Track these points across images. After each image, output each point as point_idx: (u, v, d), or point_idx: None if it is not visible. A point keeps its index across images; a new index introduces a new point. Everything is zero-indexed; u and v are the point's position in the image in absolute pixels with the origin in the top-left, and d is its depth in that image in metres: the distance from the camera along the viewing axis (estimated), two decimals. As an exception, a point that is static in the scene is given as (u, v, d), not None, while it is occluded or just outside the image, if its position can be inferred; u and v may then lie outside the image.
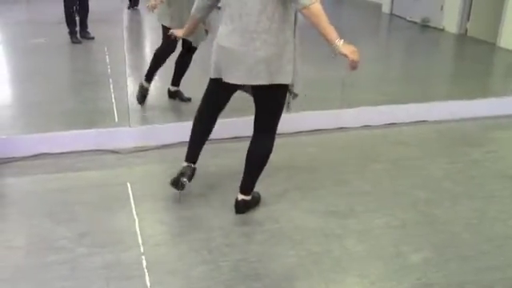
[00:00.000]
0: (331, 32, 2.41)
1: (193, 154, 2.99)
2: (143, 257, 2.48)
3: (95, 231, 2.67)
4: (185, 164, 2.96)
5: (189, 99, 4.44)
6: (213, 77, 2.77)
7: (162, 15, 4.12)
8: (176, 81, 4.48)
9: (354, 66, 2.45)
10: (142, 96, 4.35)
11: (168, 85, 4.54)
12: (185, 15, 3.97)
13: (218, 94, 2.88)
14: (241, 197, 2.88)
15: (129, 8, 9.03)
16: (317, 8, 2.38)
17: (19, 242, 2.59)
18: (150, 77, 4.33)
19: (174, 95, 4.50)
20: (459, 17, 8.04)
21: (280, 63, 2.56)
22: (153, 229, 2.74)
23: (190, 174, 2.95)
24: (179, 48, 4.28)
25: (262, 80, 2.58)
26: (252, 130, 2.84)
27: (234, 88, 2.78)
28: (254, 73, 2.56)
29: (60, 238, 2.61)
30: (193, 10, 2.92)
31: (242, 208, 2.88)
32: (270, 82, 2.59)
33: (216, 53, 2.70)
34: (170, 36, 3.38)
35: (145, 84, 4.34)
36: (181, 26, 3.75)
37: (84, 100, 4.65)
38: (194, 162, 2.98)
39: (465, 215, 2.91)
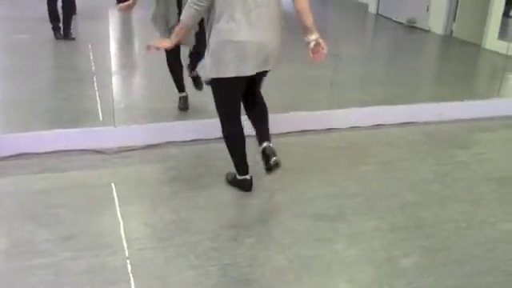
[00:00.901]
0: (311, 20, 2.74)
1: (246, 166, 3.04)
2: (128, 261, 2.42)
3: (79, 234, 2.60)
4: (246, 176, 3.05)
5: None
6: (231, 75, 2.73)
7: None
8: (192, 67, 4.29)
9: (321, 57, 2.75)
10: (183, 105, 4.29)
11: (154, 83, 4.46)
12: (171, 19, 3.91)
13: (239, 92, 2.89)
14: (267, 143, 2.94)
15: (118, 4, 8.90)
16: None
17: (0, 245, 2.51)
18: (179, 87, 4.27)
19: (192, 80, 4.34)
20: (445, 18, 8.08)
21: (280, 49, 2.83)
22: (138, 232, 2.67)
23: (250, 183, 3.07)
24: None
25: (271, 66, 2.82)
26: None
27: (245, 80, 2.82)
28: (266, 61, 2.77)
29: (43, 241, 2.53)
30: (183, 17, 2.76)
31: (274, 152, 2.91)
32: (276, 68, 2.85)
33: (226, 49, 2.68)
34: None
35: (180, 94, 4.29)
36: (166, 32, 3.70)
37: (67, 98, 4.55)
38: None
39: (454, 218, 2.90)
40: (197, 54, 4.15)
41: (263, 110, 3.08)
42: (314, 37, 2.73)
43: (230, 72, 2.72)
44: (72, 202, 2.90)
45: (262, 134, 2.99)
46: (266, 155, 2.90)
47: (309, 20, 2.73)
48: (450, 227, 2.81)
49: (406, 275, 2.40)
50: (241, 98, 2.95)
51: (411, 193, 3.16)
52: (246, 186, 3.05)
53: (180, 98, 4.30)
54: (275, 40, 2.78)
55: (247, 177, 3.04)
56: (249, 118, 3.06)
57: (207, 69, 2.79)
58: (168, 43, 2.91)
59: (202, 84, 4.21)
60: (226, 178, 3.15)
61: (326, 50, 2.75)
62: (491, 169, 3.55)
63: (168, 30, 3.89)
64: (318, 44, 2.73)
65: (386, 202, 3.04)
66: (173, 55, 4.04)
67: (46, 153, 3.44)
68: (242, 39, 2.68)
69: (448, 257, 2.54)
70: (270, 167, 2.88)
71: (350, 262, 2.48)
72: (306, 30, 2.75)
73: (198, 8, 2.68)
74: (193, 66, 4.25)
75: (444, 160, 3.66)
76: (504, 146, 4.00)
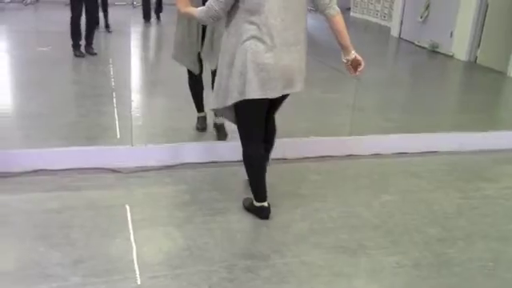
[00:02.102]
0: (349, 39, 2.79)
1: (264, 192, 2.98)
2: (140, 290, 2.33)
3: (90, 258, 2.52)
4: (264, 204, 2.98)
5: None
6: (257, 97, 2.69)
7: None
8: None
9: (361, 72, 2.83)
10: (201, 125, 4.24)
11: (174, 102, 4.41)
12: (190, 56, 3.87)
13: (262, 113, 2.85)
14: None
15: (146, 20, 8.85)
16: (341, 16, 2.78)
17: (8, 266, 2.44)
18: (198, 107, 4.21)
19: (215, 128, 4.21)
20: (469, 44, 7.97)
21: (304, 71, 2.84)
22: (151, 258, 2.58)
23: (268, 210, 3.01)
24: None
25: (295, 89, 2.80)
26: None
27: (268, 103, 2.82)
28: (291, 84, 2.77)
29: (53, 264, 2.46)
30: (199, 11, 2.75)
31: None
32: (298, 90, 2.82)
33: (254, 71, 2.64)
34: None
35: (199, 114, 4.24)
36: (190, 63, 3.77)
37: (86, 114, 4.53)
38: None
39: (480, 257, 2.77)
40: None
41: (272, 131, 3.09)
42: (351, 56, 2.81)
43: (255, 93, 2.67)
44: (85, 223, 2.83)
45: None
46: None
47: (345, 40, 2.78)
48: (476, 266, 2.68)
49: (429, 318, 2.28)
50: (264, 120, 2.88)
51: (435, 227, 3.04)
52: (263, 214, 2.96)
53: (198, 118, 4.24)
54: (300, 63, 2.78)
55: (265, 204, 2.96)
56: None
57: (231, 91, 2.73)
58: (181, 3, 2.86)
59: (226, 134, 4.09)
60: (243, 204, 3.07)
61: (363, 65, 2.83)
62: (519, 204, 3.41)
63: (192, 61, 3.86)
64: (356, 61, 2.82)
65: (408, 236, 2.92)
66: (193, 74, 4.00)
67: (61, 170, 3.39)
68: (268, 61, 2.64)
69: (474, 299, 2.41)
70: None
71: (370, 301, 2.37)
72: (343, 50, 2.82)
73: (217, 8, 2.64)
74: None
75: (469, 193, 3.53)
76: (531, 180, 3.86)
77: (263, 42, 2.63)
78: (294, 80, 2.77)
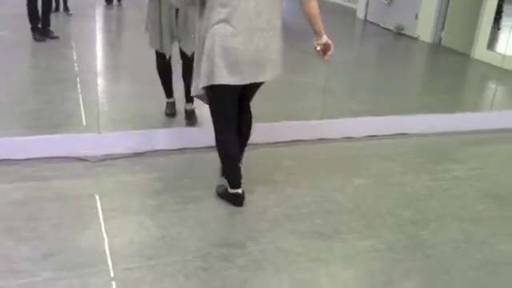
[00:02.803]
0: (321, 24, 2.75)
1: (239, 180, 2.93)
2: (113, 282, 2.26)
3: (60, 251, 2.43)
4: (238, 190, 2.92)
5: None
6: (224, 82, 2.60)
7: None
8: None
9: (330, 56, 2.82)
10: (170, 110, 4.15)
11: (141, 87, 4.30)
12: (165, 38, 3.76)
13: (233, 100, 2.77)
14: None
15: (108, 2, 8.58)
16: (316, 2, 2.70)
17: (-26, 263, 2.33)
18: (167, 92, 4.12)
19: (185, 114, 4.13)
20: (434, 26, 8.04)
21: (279, 58, 2.73)
22: (123, 249, 2.51)
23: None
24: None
25: (268, 76, 2.70)
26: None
27: (239, 89, 2.72)
28: (263, 71, 2.66)
29: (21, 259, 2.36)
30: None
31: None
32: (273, 78, 2.72)
33: (221, 55, 2.56)
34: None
35: (168, 100, 4.15)
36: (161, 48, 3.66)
37: (49, 101, 4.35)
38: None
39: (453, 238, 2.80)
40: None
41: (248, 124, 3.01)
42: (323, 41, 2.78)
43: (223, 79, 2.60)
44: (53, 215, 2.73)
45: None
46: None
47: (319, 25, 2.75)
48: (449, 248, 2.71)
49: (406, 301, 2.29)
50: (236, 105, 2.82)
51: (408, 210, 3.06)
52: (237, 201, 2.91)
53: (167, 104, 4.15)
54: (274, 49, 2.68)
55: (239, 191, 2.91)
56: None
57: (202, 75, 2.66)
58: None
59: (196, 121, 4.04)
60: (217, 191, 3.02)
61: (333, 49, 2.81)
62: (487, 185, 3.46)
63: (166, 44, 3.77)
64: (327, 45, 2.80)
65: (381, 220, 2.93)
66: (163, 59, 3.89)
67: (24, 159, 3.25)
68: (237, 46, 2.56)
69: (449, 282, 2.44)
70: None
71: (347, 287, 2.36)
72: (316, 35, 2.78)
73: None
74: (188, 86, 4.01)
75: (439, 175, 3.57)
76: (498, 161, 3.93)
77: (233, 25, 2.55)
78: (267, 67, 2.67)
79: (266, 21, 2.61)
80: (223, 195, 2.97)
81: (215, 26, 2.56)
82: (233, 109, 2.82)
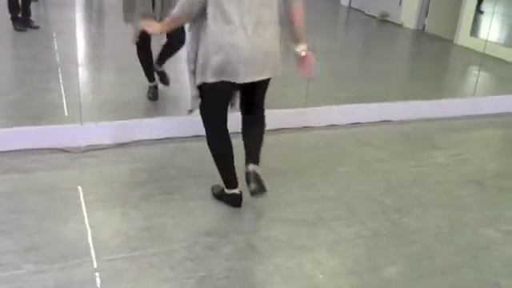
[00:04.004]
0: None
1: (235, 179, 2.79)
2: (97, 274, 2.25)
3: (43, 244, 2.41)
4: (235, 191, 2.80)
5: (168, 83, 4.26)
6: (214, 80, 2.51)
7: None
8: (161, 60, 4.16)
9: (310, 71, 2.64)
10: (152, 94, 4.18)
11: (123, 76, 4.27)
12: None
13: (226, 100, 2.68)
14: (253, 167, 2.70)
15: None
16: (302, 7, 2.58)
17: (-45, 257, 2.31)
18: (149, 77, 4.17)
19: (159, 75, 4.21)
20: (417, 13, 8.07)
21: (276, 55, 2.60)
22: (107, 240, 2.50)
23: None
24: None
25: (268, 73, 2.59)
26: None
27: (237, 87, 2.63)
28: (263, 67, 2.55)
29: (3, 252, 2.34)
30: (180, 12, 2.50)
31: (259, 179, 2.68)
32: (274, 75, 2.62)
33: (214, 53, 2.46)
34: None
35: (150, 84, 4.18)
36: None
37: (30, 92, 4.29)
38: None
39: (436, 224, 2.83)
40: (169, 45, 4.00)
41: (260, 129, 2.86)
42: (302, 47, 2.63)
43: (213, 77, 2.51)
44: (35, 207, 2.70)
45: (251, 153, 2.77)
46: (249, 181, 2.69)
47: (303, 32, 2.61)
48: (432, 233, 2.74)
49: (390, 286, 2.31)
50: (227, 107, 2.73)
51: (391, 196, 3.08)
52: (234, 202, 2.80)
53: (150, 88, 4.16)
54: (270, 46, 2.56)
55: (236, 191, 2.80)
56: (243, 126, 2.86)
57: (196, 71, 2.58)
58: (158, 28, 2.69)
59: (168, 79, 4.18)
60: (212, 191, 2.92)
61: (313, 63, 2.64)
62: (469, 171, 3.50)
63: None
64: (305, 57, 2.62)
65: (366, 207, 2.95)
66: (143, 44, 3.88)
67: (6, 152, 3.21)
68: (232, 43, 2.45)
69: (432, 266, 2.47)
70: (252, 192, 2.68)
71: (333, 273, 2.38)
72: (295, 39, 2.64)
73: None
74: (162, 59, 4.09)
75: (422, 161, 3.60)
76: (480, 147, 3.97)
77: (228, 22, 2.44)
78: (263, 65, 2.54)
79: (262, 17, 2.48)
80: (219, 196, 2.87)
81: (212, 23, 2.45)
82: (222, 110, 2.71)
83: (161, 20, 3.70)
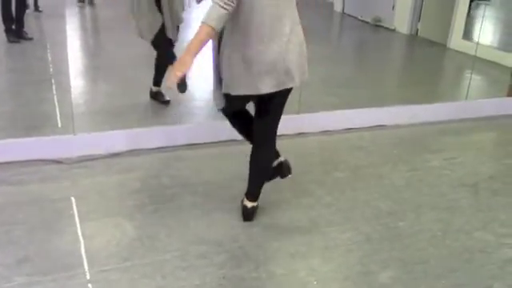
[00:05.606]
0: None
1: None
2: (90, 285, 2.24)
3: (36, 256, 2.40)
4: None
5: (168, 101, 4.28)
6: (241, 93, 2.48)
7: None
8: (157, 81, 4.27)
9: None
10: (156, 96, 4.32)
11: (116, 87, 4.27)
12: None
13: (246, 102, 2.69)
14: (250, 204, 2.76)
15: (80, 1, 8.46)
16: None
17: None
18: (157, 81, 4.25)
19: (155, 96, 4.31)
20: (410, 17, 8.09)
21: (302, 65, 2.54)
22: (100, 251, 2.49)
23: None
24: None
25: (293, 82, 2.51)
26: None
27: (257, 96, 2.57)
28: (285, 78, 2.48)
29: (-5, 264, 2.33)
30: (208, 20, 2.27)
31: (251, 215, 2.77)
32: (300, 82, 2.54)
33: (240, 64, 2.42)
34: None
35: (155, 89, 4.29)
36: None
37: (23, 103, 4.29)
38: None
39: (429, 228, 2.83)
40: (161, 64, 4.06)
41: (264, 163, 2.80)
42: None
43: (243, 90, 2.47)
44: (28, 219, 2.69)
45: (252, 189, 2.78)
46: (245, 216, 2.79)
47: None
48: (426, 237, 2.73)
49: (384, 292, 2.31)
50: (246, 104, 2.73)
51: (385, 201, 3.08)
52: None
53: (153, 92, 4.31)
54: (294, 55, 2.47)
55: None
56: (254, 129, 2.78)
57: (224, 81, 2.53)
58: (189, 63, 2.32)
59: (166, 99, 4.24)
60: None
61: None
62: (463, 174, 3.50)
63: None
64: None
65: (360, 212, 2.95)
66: (166, 51, 3.96)
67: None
68: (258, 54, 2.40)
69: (426, 270, 2.46)
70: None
71: (327, 279, 2.37)
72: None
73: (228, 8, 2.27)
74: (157, 80, 4.22)
75: (416, 165, 3.60)
76: (473, 150, 3.97)
77: (249, 34, 2.37)
78: (287, 75, 2.47)
79: (283, 27, 2.42)
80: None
81: (235, 34, 2.41)
82: (243, 106, 2.74)
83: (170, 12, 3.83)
